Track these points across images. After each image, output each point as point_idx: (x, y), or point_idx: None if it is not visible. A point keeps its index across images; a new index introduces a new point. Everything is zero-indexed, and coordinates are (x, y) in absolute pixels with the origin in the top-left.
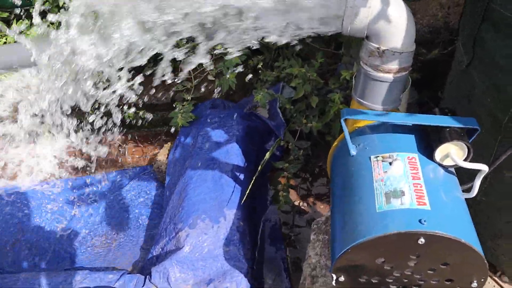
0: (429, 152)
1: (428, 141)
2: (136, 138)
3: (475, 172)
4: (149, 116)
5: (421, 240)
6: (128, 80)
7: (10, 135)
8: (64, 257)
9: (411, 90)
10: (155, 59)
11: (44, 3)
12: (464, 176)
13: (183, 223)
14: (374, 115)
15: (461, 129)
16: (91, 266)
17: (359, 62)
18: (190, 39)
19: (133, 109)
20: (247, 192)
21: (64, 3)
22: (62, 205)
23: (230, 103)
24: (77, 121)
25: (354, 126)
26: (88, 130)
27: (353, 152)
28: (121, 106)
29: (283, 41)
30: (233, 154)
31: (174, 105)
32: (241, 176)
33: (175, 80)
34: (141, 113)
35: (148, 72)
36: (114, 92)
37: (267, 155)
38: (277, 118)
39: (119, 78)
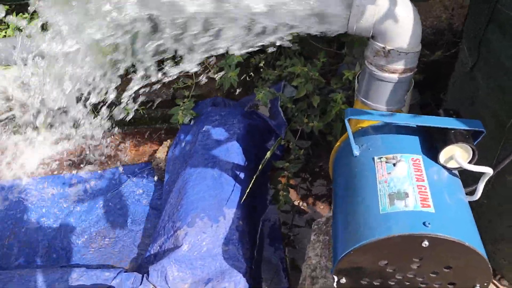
0: (433, 154)
1: (432, 143)
2: (136, 135)
3: (479, 174)
4: (150, 112)
5: (425, 243)
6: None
7: (8, 128)
8: (60, 254)
9: (413, 92)
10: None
11: None
12: (469, 179)
13: (181, 222)
14: (379, 115)
15: (466, 131)
16: (87, 264)
17: (363, 61)
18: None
19: (132, 105)
20: (247, 191)
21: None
22: (59, 201)
23: (231, 101)
24: (76, 117)
25: (357, 126)
26: (87, 125)
27: (356, 152)
28: (121, 103)
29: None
30: (234, 153)
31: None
32: (241, 175)
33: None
34: (140, 109)
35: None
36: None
37: (268, 154)
38: (278, 117)
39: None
